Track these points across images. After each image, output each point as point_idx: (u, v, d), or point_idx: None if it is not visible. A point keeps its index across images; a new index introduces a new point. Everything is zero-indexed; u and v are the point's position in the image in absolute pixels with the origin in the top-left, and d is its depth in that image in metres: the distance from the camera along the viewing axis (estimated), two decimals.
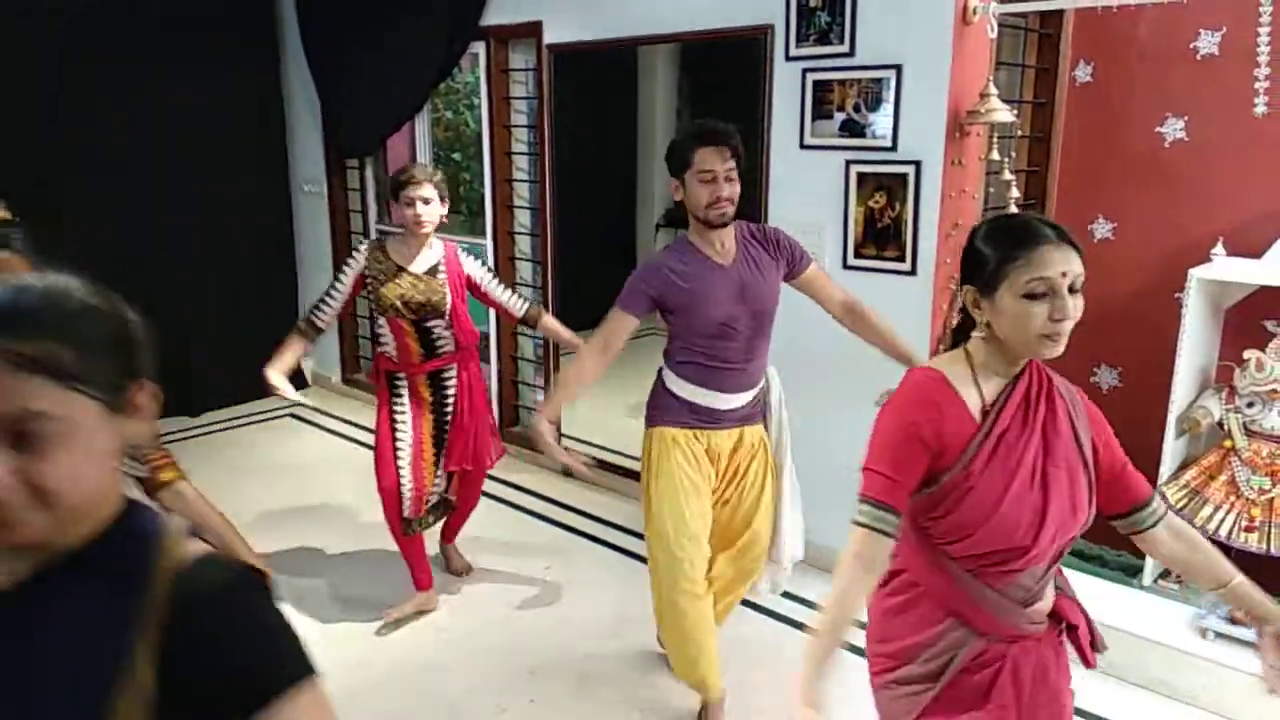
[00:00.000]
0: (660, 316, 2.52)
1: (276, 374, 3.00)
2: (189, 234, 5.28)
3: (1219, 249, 3.10)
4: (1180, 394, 3.07)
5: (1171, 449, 3.13)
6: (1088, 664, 1.63)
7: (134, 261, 4.81)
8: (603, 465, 4.42)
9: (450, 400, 3.24)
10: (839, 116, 3.27)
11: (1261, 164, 3.21)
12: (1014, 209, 3.01)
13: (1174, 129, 3.40)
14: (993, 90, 2.94)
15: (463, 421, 3.26)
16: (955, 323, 1.59)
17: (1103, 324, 3.46)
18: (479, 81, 4.64)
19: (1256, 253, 3.11)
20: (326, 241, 5.72)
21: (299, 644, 0.87)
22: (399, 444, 3.18)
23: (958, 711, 1.53)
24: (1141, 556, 3.24)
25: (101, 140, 4.87)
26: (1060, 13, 3.46)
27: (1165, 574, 3.22)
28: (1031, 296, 1.40)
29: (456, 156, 6.83)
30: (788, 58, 3.36)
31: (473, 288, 3.23)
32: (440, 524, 3.51)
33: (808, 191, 3.40)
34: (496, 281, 3.27)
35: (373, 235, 5.48)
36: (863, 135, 3.22)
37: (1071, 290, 1.41)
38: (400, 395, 3.20)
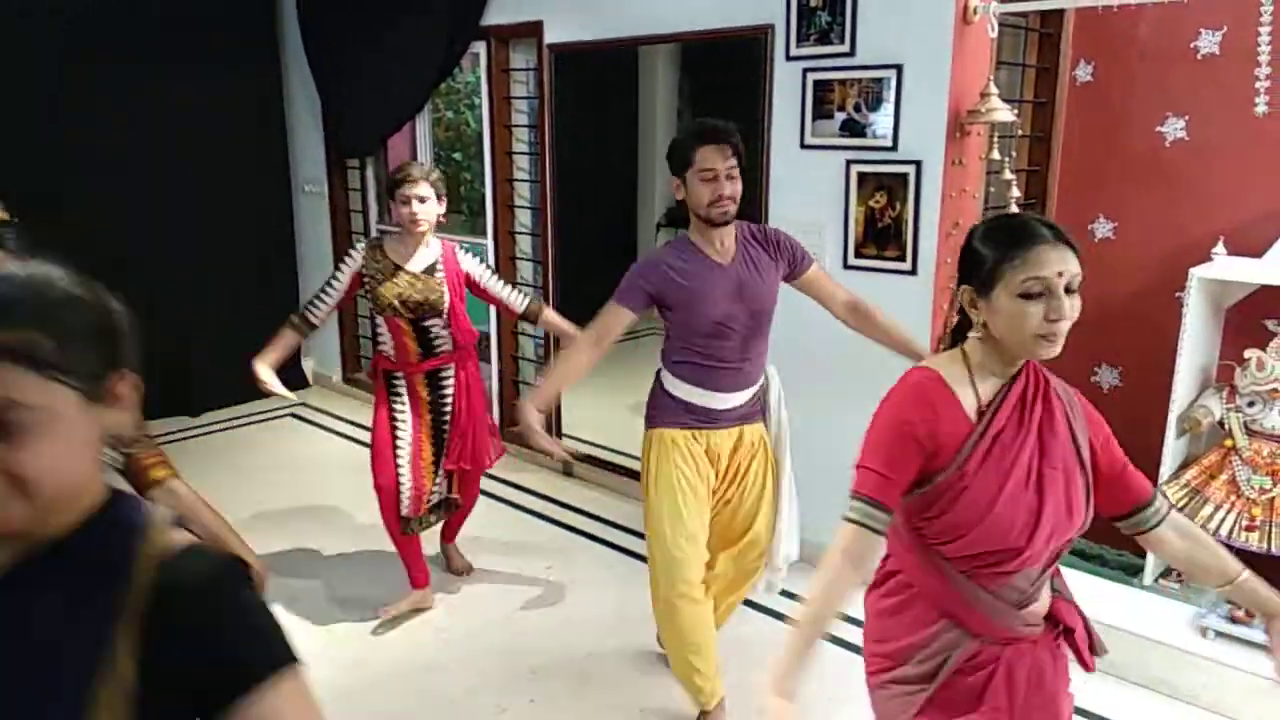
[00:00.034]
0: (658, 313, 2.53)
1: (264, 367, 3.00)
2: (189, 234, 5.28)
3: (1220, 248, 3.10)
4: (1181, 393, 3.07)
5: (1172, 448, 3.13)
6: (1086, 667, 1.62)
7: (134, 261, 4.81)
8: (604, 465, 4.43)
9: (448, 400, 3.24)
10: (839, 116, 3.26)
11: (1262, 163, 3.21)
12: (1015, 208, 3.01)
13: (1175, 128, 3.40)
14: (993, 90, 2.94)
15: (461, 421, 3.25)
16: (954, 323, 1.59)
17: (1103, 323, 3.47)
18: (480, 81, 4.64)
19: (1257, 252, 3.11)
20: (327, 241, 5.72)
21: (282, 633, 0.87)
22: (398, 443, 3.18)
23: (951, 713, 1.53)
24: (1142, 556, 3.24)
25: (101, 140, 4.87)
26: (1061, 12, 3.46)
27: (1166, 573, 3.22)
28: (1027, 296, 1.39)
29: (457, 156, 6.83)
30: (788, 57, 3.36)
31: (472, 285, 3.22)
32: (440, 524, 3.51)
33: (808, 191, 3.40)
34: (495, 278, 3.27)
35: (373, 235, 5.48)
36: (863, 135, 3.22)
37: (1068, 290, 1.40)
38: (398, 394, 3.20)
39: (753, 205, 3.40)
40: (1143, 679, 2.86)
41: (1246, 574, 1.53)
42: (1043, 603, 1.57)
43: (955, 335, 1.58)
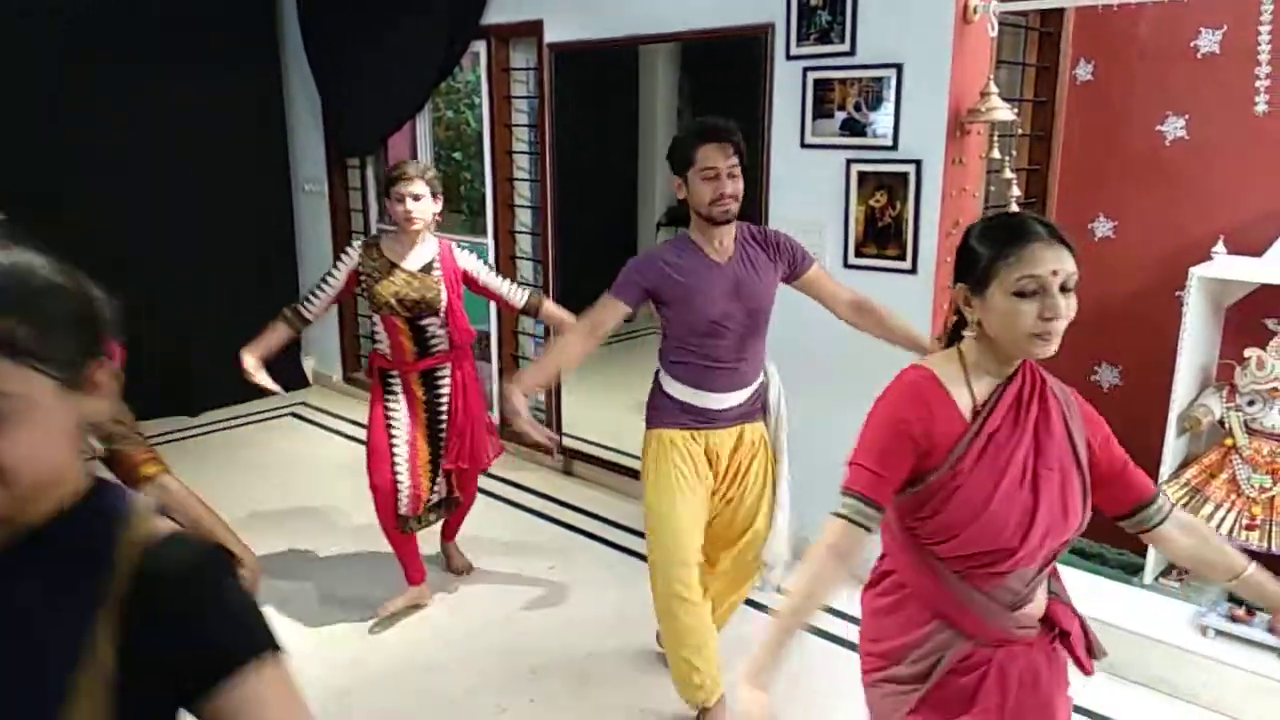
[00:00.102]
0: (655, 311, 2.53)
1: (251, 358, 3.01)
2: (189, 234, 5.28)
3: (1220, 247, 3.10)
4: (1181, 392, 3.07)
5: (1172, 447, 3.13)
6: (1084, 671, 1.61)
7: (134, 261, 4.82)
8: (604, 465, 4.43)
9: (443, 400, 3.24)
10: (840, 115, 3.26)
11: (1262, 162, 3.21)
12: (1015, 207, 3.01)
13: (1175, 127, 3.40)
14: (993, 89, 2.94)
15: (458, 420, 3.25)
16: (952, 322, 1.58)
17: (1104, 322, 3.47)
18: (480, 80, 4.64)
19: (1257, 251, 3.11)
20: (327, 241, 5.72)
21: (264, 621, 0.87)
22: (394, 442, 3.18)
23: (944, 714, 1.53)
24: (1142, 555, 3.24)
25: (101, 140, 4.87)
26: (1061, 11, 3.46)
27: (1166, 572, 3.22)
28: (1021, 294, 1.39)
29: (457, 155, 6.83)
30: (788, 57, 3.36)
31: (470, 283, 3.22)
32: (440, 523, 3.51)
33: (808, 190, 3.40)
34: (494, 274, 3.26)
35: (374, 234, 5.47)
36: (863, 134, 3.22)
37: (1064, 289, 1.39)
38: (393, 393, 3.20)
39: (753, 204, 3.40)
40: (1143, 678, 2.86)
41: (1253, 567, 1.52)
42: (1038, 605, 1.56)
43: (952, 335, 1.57)
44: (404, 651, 3.13)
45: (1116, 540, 3.44)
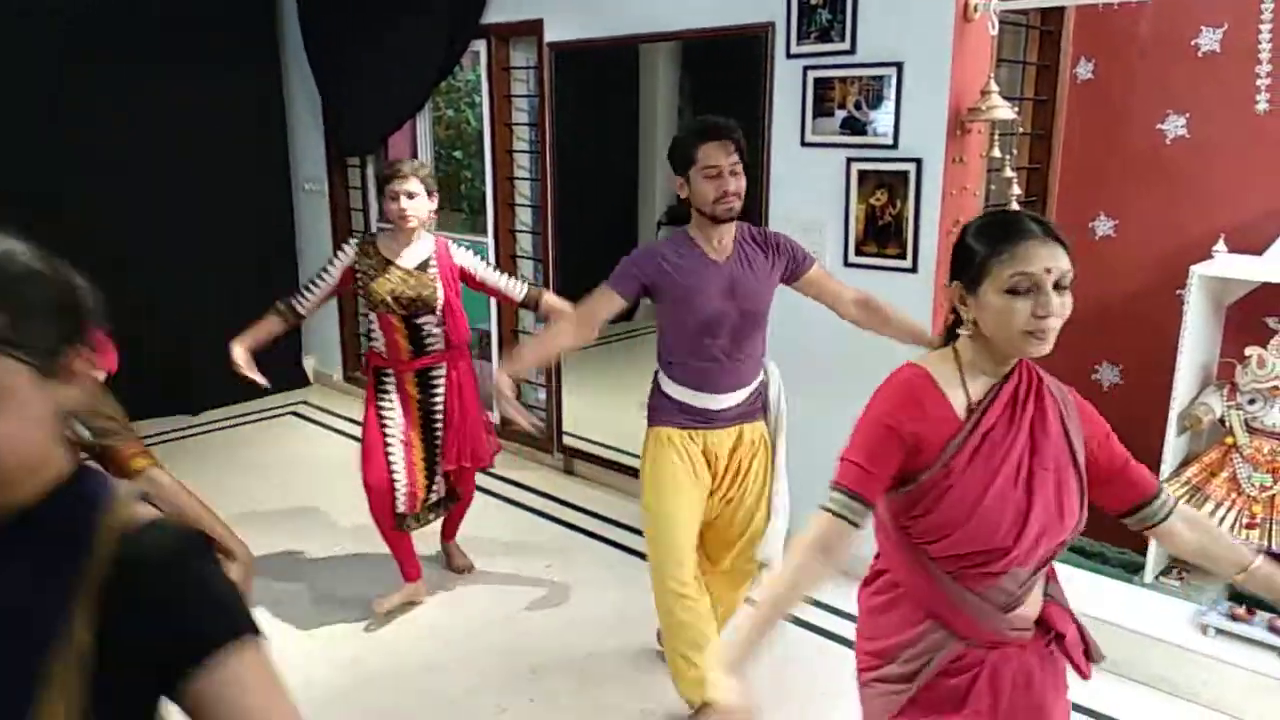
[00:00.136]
0: (652, 304, 2.53)
1: (240, 349, 3.02)
2: (189, 234, 5.28)
3: (1220, 246, 3.09)
4: (1182, 391, 3.07)
5: (1173, 446, 3.13)
6: (1082, 675, 1.61)
7: (134, 261, 4.82)
8: (604, 464, 4.42)
9: (438, 399, 3.24)
10: (840, 114, 3.26)
11: (1263, 161, 3.21)
12: (1015, 206, 3.01)
13: (1175, 126, 3.40)
14: (994, 87, 2.94)
15: (454, 420, 3.25)
16: (950, 321, 1.57)
17: (1104, 321, 3.47)
18: (480, 79, 4.64)
19: (1258, 249, 3.10)
20: (328, 240, 5.71)
21: (244, 605, 0.87)
22: (389, 440, 3.17)
23: (933, 715, 1.52)
24: (1143, 554, 3.24)
25: (101, 140, 4.87)
26: (1061, 9, 3.46)
27: (1166, 571, 3.22)
28: (1014, 292, 1.38)
29: (458, 154, 6.83)
30: (789, 55, 3.36)
31: (468, 279, 3.21)
32: (439, 522, 3.51)
33: (809, 189, 3.40)
34: (491, 269, 3.26)
35: (370, 232, 5.48)
36: (864, 133, 3.21)
37: (1058, 287, 1.38)
38: (387, 391, 3.20)
39: (753, 203, 3.40)
40: (1143, 676, 2.86)
41: (1260, 560, 1.51)
42: (1032, 607, 1.54)
43: (948, 333, 1.56)
44: (403, 651, 3.13)
45: (1117, 539, 3.44)
